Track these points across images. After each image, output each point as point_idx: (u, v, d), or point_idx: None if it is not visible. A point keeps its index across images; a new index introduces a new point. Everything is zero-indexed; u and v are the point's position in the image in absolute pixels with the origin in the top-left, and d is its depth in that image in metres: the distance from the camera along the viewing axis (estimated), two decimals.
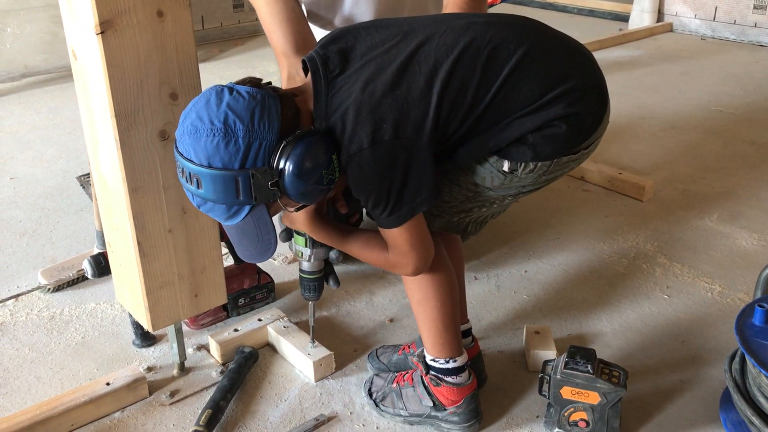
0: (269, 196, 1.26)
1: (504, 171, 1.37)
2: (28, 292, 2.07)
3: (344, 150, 1.28)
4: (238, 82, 1.28)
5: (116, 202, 1.47)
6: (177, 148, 1.26)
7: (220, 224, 1.59)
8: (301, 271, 1.64)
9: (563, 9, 5.93)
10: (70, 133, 3.35)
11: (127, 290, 1.60)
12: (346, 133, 1.27)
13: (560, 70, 1.34)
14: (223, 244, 1.71)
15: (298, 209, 1.40)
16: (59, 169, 2.96)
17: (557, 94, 1.30)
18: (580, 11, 5.87)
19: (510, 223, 2.44)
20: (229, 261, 1.96)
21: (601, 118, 1.38)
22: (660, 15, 5.31)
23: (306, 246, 1.57)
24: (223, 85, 1.26)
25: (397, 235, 1.36)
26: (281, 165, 1.24)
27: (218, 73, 4.24)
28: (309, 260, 1.60)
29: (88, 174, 2.66)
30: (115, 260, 1.61)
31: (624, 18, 5.50)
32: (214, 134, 1.20)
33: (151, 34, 1.34)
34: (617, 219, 2.50)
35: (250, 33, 5.14)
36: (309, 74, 1.35)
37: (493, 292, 2.08)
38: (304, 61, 1.37)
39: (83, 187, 2.71)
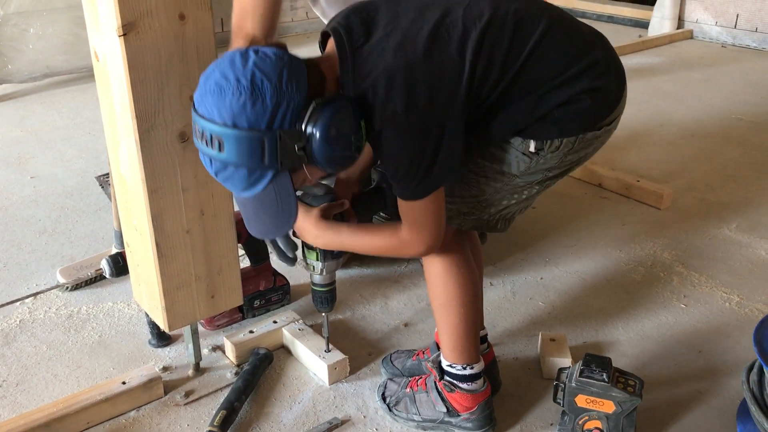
0: (295, 161, 1.21)
1: (530, 152, 1.35)
2: (47, 290, 2.09)
3: (377, 116, 1.25)
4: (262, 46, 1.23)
5: (135, 203, 1.48)
6: (196, 110, 1.21)
7: (237, 226, 1.61)
8: (313, 284, 1.65)
9: (582, 15, 5.90)
10: (90, 133, 3.39)
11: (145, 290, 1.61)
12: (378, 99, 1.24)
13: (583, 43, 1.35)
14: (239, 246, 1.72)
15: (322, 179, 1.34)
16: (79, 168, 2.99)
17: (583, 67, 1.31)
18: (600, 17, 5.85)
19: (527, 230, 2.43)
20: (245, 263, 1.96)
21: (621, 93, 1.39)
22: (680, 22, 5.28)
23: (318, 260, 1.58)
24: (247, 47, 1.22)
25: (419, 208, 1.33)
26: (309, 129, 1.19)
27: None
28: (321, 273, 1.61)
29: (107, 174, 2.68)
30: (133, 260, 1.62)
31: (644, 24, 5.47)
32: (241, 93, 1.15)
33: (172, 37, 1.35)
34: (635, 227, 2.49)
35: None
36: (330, 46, 1.32)
37: (509, 299, 2.08)
38: (325, 32, 1.34)
39: (102, 187, 2.73)
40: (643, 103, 3.73)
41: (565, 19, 1.38)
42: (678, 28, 5.25)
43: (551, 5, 1.40)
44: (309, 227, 1.47)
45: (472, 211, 1.46)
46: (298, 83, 1.19)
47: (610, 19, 5.79)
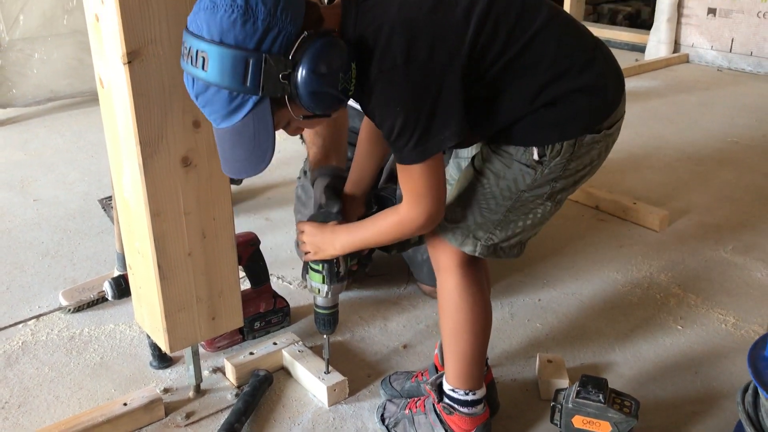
0: (278, 89, 1.19)
1: (534, 162, 1.36)
2: (50, 312, 2.11)
3: (374, 65, 1.23)
4: None
5: (138, 226, 1.51)
6: (187, 28, 1.20)
7: (238, 249, 1.63)
8: (316, 306, 1.66)
9: None
10: (93, 157, 3.42)
11: (146, 312, 1.63)
12: (378, 47, 1.23)
13: (584, 40, 1.38)
14: (240, 268, 1.74)
15: (305, 117, 1.30)
16: (81, 191, 3.02)
17: (584, 61, 1.33)
18: None
19: (525, 251, 2.44)
20: (246, 285, 1.98)
21: (619, 96, 1.41)
22: (676, 46, 5.34)
23: (323, 282, 1.60)
24: None
25: (417, 174, 1.31)
26: (297, 58, 1.18)
27: None
28: (326, 296, 1.63)
29: (110, 197, 2.71)
30: (135, 282, 1.64)
31: (640, 48, 5.53)
32: (234, 10, 1.14)
33: (175, 64, 1.37)
34: (631, 249, 2.51)
35: None
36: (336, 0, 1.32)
37: (507, 320, 2.09)
38: None
39: (105, 210, 2.76)
40: (640, 126, 3.77)
41: (568, 16, 1.42)
42: (674, 52, 5.31)
43: (554, 3, 1.42)
44: (326, 234, 1.50)
45: (489, 236, 1.46)
46: (294, 15, 1.18)
47: (607, 42, 5.82)
